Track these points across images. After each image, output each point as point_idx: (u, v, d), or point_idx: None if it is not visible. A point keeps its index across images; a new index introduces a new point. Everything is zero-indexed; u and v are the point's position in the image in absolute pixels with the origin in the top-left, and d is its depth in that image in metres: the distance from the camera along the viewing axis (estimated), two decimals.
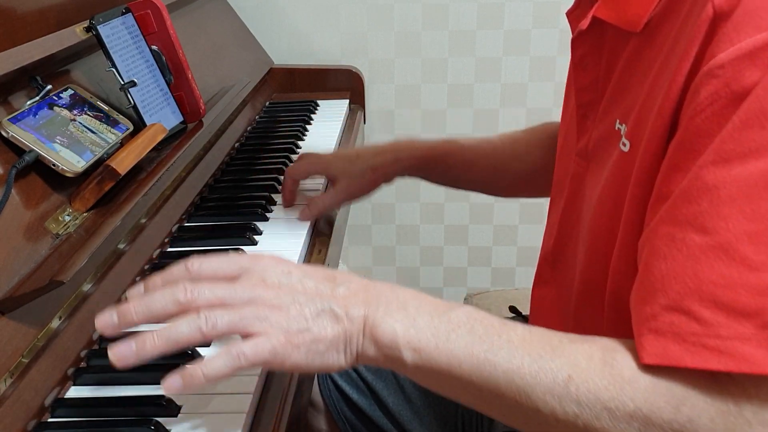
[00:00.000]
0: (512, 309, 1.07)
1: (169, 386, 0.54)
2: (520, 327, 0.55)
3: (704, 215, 0.49)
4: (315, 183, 1.08)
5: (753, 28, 0.48)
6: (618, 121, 0.64)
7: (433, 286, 1.90)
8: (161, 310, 0.55)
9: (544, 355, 0.52)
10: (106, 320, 0.55)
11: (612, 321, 0.63)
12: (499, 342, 0.54)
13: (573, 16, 0.73)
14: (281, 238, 0.93)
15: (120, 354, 0.54)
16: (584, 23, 0.66)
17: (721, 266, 0.48)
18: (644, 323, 0.51)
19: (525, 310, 1.05)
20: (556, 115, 0.82)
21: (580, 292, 0.70)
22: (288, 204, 1.02)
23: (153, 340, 0.54)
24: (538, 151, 0.99)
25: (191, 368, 0.53)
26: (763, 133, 0.47)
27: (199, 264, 0.57)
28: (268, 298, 0.55)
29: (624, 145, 0.60)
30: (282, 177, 1.14)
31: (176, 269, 0.58)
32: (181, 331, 0.54)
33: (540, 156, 0.98)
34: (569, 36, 0.71)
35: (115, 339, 0.56)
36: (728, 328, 0.47)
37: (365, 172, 0.98)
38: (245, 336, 0.54)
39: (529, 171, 0.99)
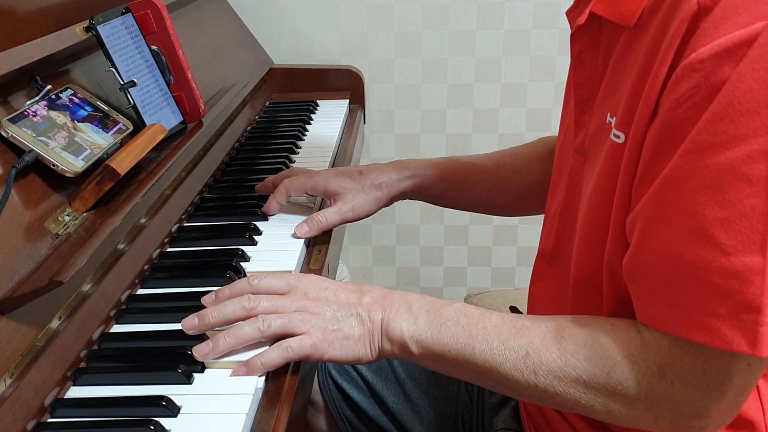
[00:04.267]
0: (512, 309, 1.06)
1: (236, 373, 0.67)
2: (495, 315, 0.68)
3: (685, 201, 0.54)
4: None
5: (732, 25, 0.52)
6: (609, 114, 0.65)
7: (433, 286, 1.90)
8: (231, 314, 0.70)
9: (509, 336, 0.65)
10: (189, 323, 0.70)
11: (613, 304, 0.67)
12: (477, 330, 0.67)
13: (572, 15, 0.74)
14: (281, 238, 0.93)
15: (201, 351, 0.68)
16: (581, 18, 0.68)
17: (699, 248, 0.53)
18: (641, 296, 0.59)
19: (525, 309, 1.05)
20: (556, 115, 0.82)
21: (576, 283, 0.71)
22: (271, 211, 0.99)
23: (225, 339, 0.68)
24: (539, 166, 0.98)
25: (252, 359, 0.67)
26: (731, 125, 0.52)
27: (258, 280, 0.73)
28: (309, 307, 0.71)
29: (617, 137, 0.63)
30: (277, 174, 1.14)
31: (241, 283, 0.73)
32: (246, 330, 0.69)
33: (541, 170, 0.97)
34: (569, 35, 0.71)
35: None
36: (707, 305, 0.53)
37: (370, 189, 0.96)
38: (292, 335, 0.69)
39: (530, 186, 0.99)
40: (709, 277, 0.53)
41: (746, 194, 0.51)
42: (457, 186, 0.99)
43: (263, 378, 0.67)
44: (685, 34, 0.54)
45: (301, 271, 0.86)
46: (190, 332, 0.70)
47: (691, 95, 0.53)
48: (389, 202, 0.98)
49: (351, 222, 0.98)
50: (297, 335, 0.69)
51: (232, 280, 0.82)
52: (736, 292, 0.52)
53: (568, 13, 0.74)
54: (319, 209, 1.01)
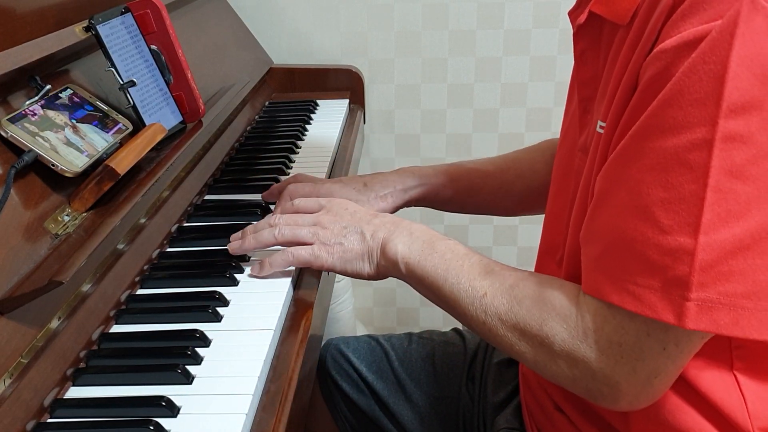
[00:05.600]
0: None
1: (252, 270, 0.83)
2: (476, 256, 0.74)
3: (632, 179, 0.58)
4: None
5: (697, 19, 0.54)
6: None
7: None
8: (262, 226, 0.84)
9: (477, 276, 0.71)
10: (234, 246, 0.85)
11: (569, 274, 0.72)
12: (455, 265, 0.73)
13: (574, 15, 0.74)
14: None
15: (233, 247, 0.85)
16: (582, 18, 0.69)
17: (640, 225, 0.57)
18: (590, 263, 0.63)
19: None
20: (556, 115, 0.82)
21: (567, 273, 0.73)
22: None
23: (249, 239, 0.83)
24: (542, 168, 0.98)
25: (261, 261, 0.82)
26: (679, 112, 0.55)
27: (298, 201, 0.87)
28: (323, 222, 0.82)
29: (601, 128, 0.65)
30: (281, 178, 1.14)
31: (284, 201, 0.92)
32: (264, 235, 0.83)
33: (545, 173, 0.97)
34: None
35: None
36: (642, 278, 0.57)
37: (374, 201, 0.97)
38: (301, 244, 0.81)
39: (534, 188, 0.99)
40: (646, 251, 0.57)
41: (687, 179, 0.55)
42: (462, 192, 1.00)
43: (263, 378, 0.67)
44: (661, 27, 0.57)
45: (300, 271, 0.86)
46: (235, 253, 0.85)
47: (652, 83, 0.57)
48: (394, 212, 0.98)
49: None
50: (303, 244, 0.80)
51: (233, 280, 0.82)
52: (669, 268, 0.56)
53: (571, 13, 0.74)
54: None
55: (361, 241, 0.79)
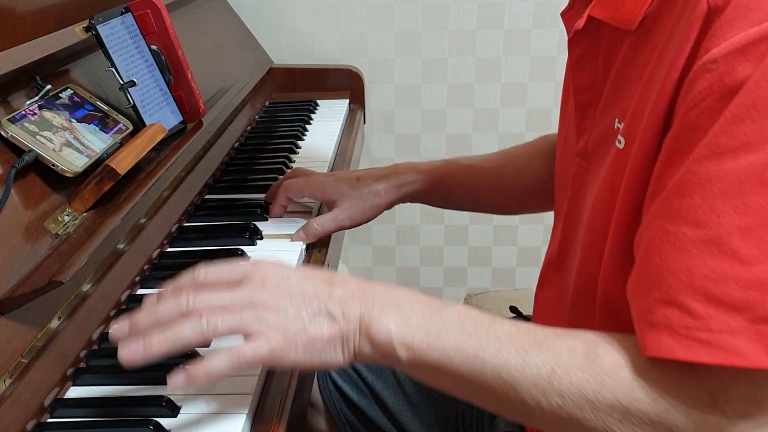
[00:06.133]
0: (512, 309, 1.06)
1: (173, 383, 0.56)
2: (507, 323, 0.58)
3: (697, 209, 0.50)
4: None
5: (746, 23, 0.49)
6: (617, 120, 0.64)
7: (433, 286, 1.90)
8: (167, 317, 0.58)
9: (529, 350, 0.55)
10: (119, 329, 0.59)
11: (603, 319, 0.64)
12: (487, 338, 0.56)
13: (567, 16, 0.73)
14: (281, 237, 0.93)
15: (129, 352, 0.56)
16: (580, 22, 0.66)
17: (713, 260, 0.49)
18: (641, 316, 0.53)
19: (525, 310, 1.05)
20: (556, 115, 0.82)
21: (574, 292, 0.70)
22: (276, 216, 0.98)
23: (158, 341, 0.56)
24: (541, 165, 0.96)
25: (194, 366, 0.56)
26: (754, 127, 0.48)
27: (204, 272, 0.61)
28: (266, 301, 0.58)
29: (619, 142, 0.61)
30: (281, 177, 1.14)
31: (184, 278, 0.61)
32: (184, 331, 0.56)
33: (543, 169, 0.95)
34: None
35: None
36: (719, 321, 0.48)
37: (368, 196, 0.94)
38: (246, 337, 0.57)
39: (533, 185, 0.97)
40: (723, 289, 0.49)
41: None
42: (458, 189, 0.98)
43: (263, 378, 0.67)
44: (697, 38, 0.51)
45: None
46: (121, 341, 0.58)
47: (703, 98, 0.50)
48: (388, 208, 0.96)
49: (348, 229, 0.96)
50: (250, 335, 0.57)
51: None
52: (757, 304, 0.48)
53: (563, 15, 0.74)
54: (319, 210, 1.02)
55: (330, 323, 0.58)
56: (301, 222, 0.95)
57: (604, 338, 0.55)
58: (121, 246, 0.83)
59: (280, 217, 0.98)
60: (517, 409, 0.56)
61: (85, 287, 0.74)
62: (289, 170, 1.04)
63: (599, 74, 0.68)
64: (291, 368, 0.59)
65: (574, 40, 0.69)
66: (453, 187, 0.98)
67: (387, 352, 0.58)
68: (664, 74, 0.54)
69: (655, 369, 0.52)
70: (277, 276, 0.60)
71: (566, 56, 0.71)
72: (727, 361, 0.48)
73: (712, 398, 0.50)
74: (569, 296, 0.72)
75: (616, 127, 0.64)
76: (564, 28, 0.73)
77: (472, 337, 0.56)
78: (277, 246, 0.92)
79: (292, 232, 0.93)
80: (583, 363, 0.53)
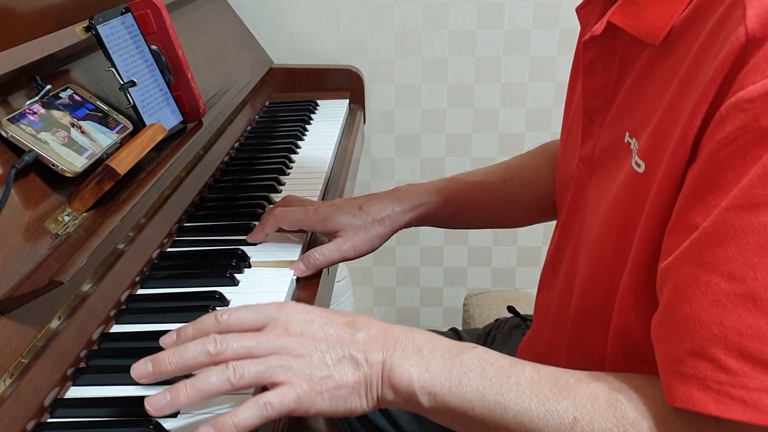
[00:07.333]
0: (510, 309, 1.06)
1: None
2: (528, 367, 0.57)
3: (731, 261, 0.48)
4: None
5: None
6: (628, 134, 0.62)
7: (433, 286, 1.90)
8: (193, 360, 0.58)
9: (551, 396, 0.55)
10: (141, 369, 0.59)
11: (616, 357, 0.63)
12: (509, 384, 0.56)
13: (583, 12, 0.71)
14: (281, 237, 0.93)
15: (156, 404, 0.57)
16: (598, 28, 0.64)
17: (749, 316, 0.47)
18: (670, 365, 0.51)
19: (524, 310, 1.05)
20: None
21: (578, 306, 0.69)
22: (255, 242, 0.91)
23: (186, 391, 0.56)
24: (549, 175, 0.93)
25: (222, 418, 0.56)
26: None
27: (228, 315, 0.61)
28: (291, 347, 0.59)
29: (638, 165, 0.58)
30: (281, 178, 1.14)
31: (207, 319, 0.61)
32: (212, 382, 0.57)
33: (551, 179, 0.91)
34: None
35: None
36: (754, 379, 0.47)
37: (372, 225, 0.89)
38: (271, 385, 0.58)
39: (542, 196, 0.93)
40: (759, 347, 0.47)
41: None
42: (464, 208, 0.94)
43: None
44: (731, 69, 0.48)
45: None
46: (141, 381, 0.59)
47: (735, 138, 0.48)
48: (393, 234, 0.93)
49: (353, 259, 0.91)
50: (277, 384, 0.57)
51: (233, 280, 0.82)
52: None
53: (579, 10, 0.71)
54: (311, 236, 0.96)
55: (354, 369, 0.59)
56: (293, 245, 0.91)
57: (626, 383, 0.55)
58: (121, 246, 0.83)
59: (260, 243, 0.92)
60: None
61: (85, 287, 0.74)
62: (278, 200, 0.98)
63: (612, 81, 0.66)
64: (316, 415, 0.58)
65: (589, 44, 0.66)
66: (459, 208, 0.94)
67: (409, 398, 0.59)
68: (693, 105, 0.51)
69: (679, 419, 0.51)
70: (300, 320, 0.61)
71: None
72: (762, 420, 0.47)
73: None
74: (572, 310, 0.70)
75: (626, 141, 0.62)
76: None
77: (493, 383, 0.56)
78: (278, 247, 0.91)
79: (292, 232, 0.93)
80: (606, 411, 0.53)
